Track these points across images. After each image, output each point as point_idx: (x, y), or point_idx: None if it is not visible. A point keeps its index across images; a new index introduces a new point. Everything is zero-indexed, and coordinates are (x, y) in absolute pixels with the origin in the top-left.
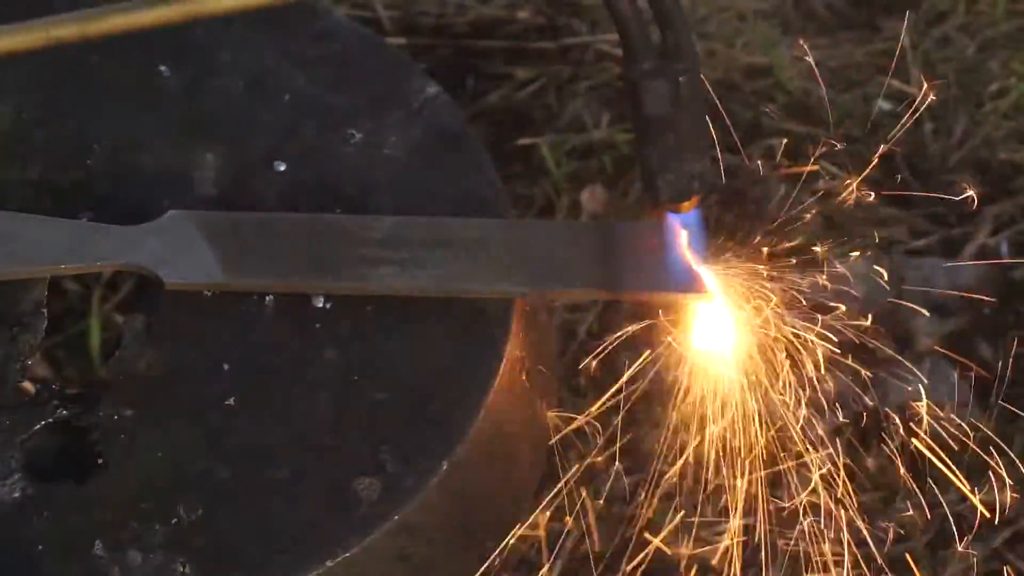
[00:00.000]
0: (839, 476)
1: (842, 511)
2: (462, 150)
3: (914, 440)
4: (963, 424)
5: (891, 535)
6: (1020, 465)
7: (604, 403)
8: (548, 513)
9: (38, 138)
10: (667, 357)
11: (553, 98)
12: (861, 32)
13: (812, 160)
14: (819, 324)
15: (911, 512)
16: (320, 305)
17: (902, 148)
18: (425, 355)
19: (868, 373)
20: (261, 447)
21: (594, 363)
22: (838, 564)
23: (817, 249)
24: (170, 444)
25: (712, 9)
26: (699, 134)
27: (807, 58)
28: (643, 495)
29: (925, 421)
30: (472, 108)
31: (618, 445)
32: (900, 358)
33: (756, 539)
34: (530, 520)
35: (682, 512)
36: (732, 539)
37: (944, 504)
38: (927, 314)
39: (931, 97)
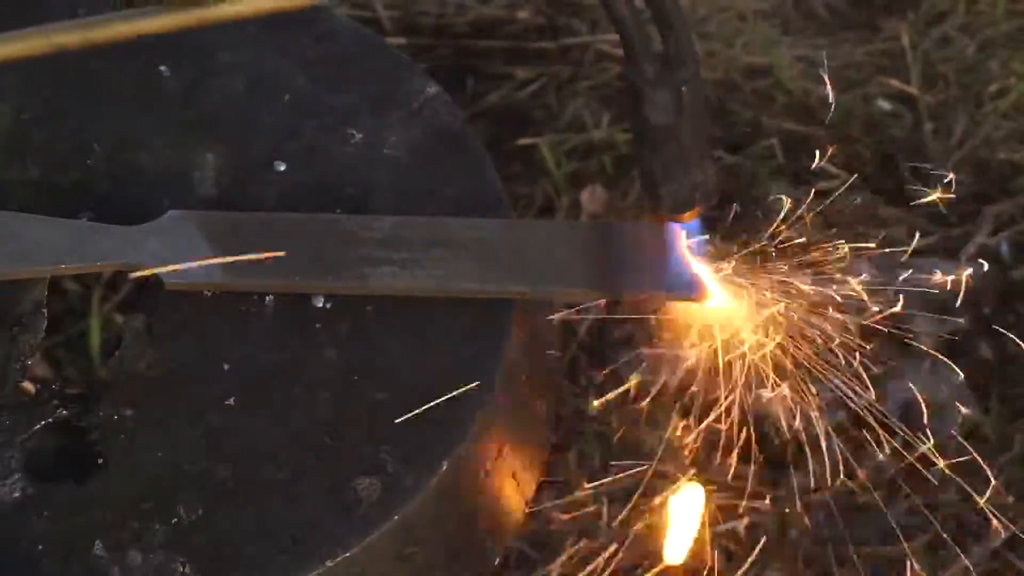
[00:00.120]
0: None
1: None
2: (462, 150)
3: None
4: (963, 424)
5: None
6: (1020, 465)
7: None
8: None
9: (38, 138)
10: (666, 357)
11: (553, 98)
12: (861, 32)
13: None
14: (819, 325)
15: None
16: (320, 305)
17: (902, 148)
18: (425, 355)
19: (868, 373)
20: (261, 447)
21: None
22: None
23: (817, 249)
24: (170, 444)
25: (712, 9)
26: (701, 143)
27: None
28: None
29: (925, 421)
30: (472, 108)
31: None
32: (900, 358)
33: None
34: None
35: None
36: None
37: (944, 504)
38: (927, 314)
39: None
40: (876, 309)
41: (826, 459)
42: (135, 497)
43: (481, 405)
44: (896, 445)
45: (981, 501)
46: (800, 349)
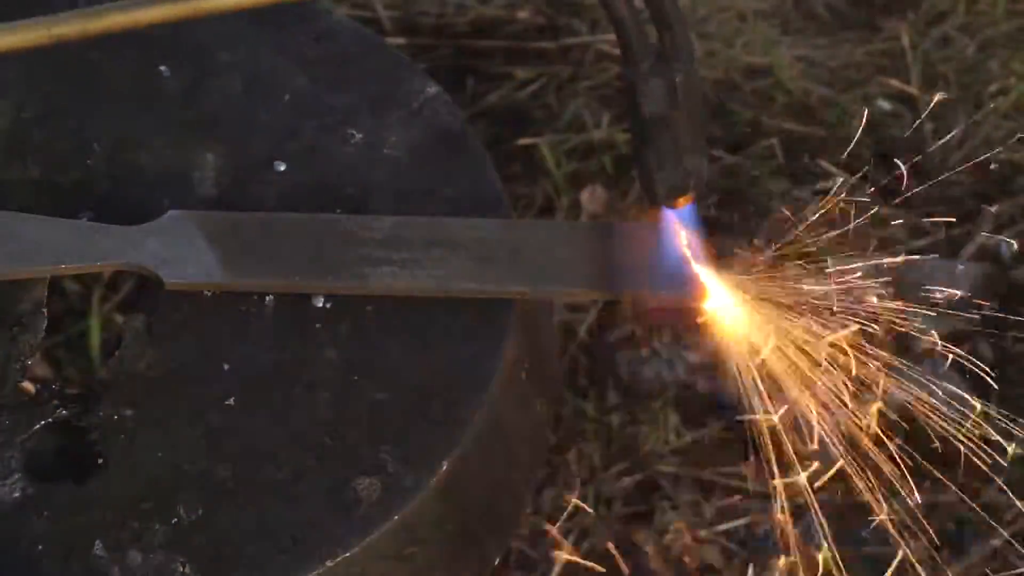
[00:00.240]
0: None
1: None
2: (462, 150)
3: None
4: (963, 424)
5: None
6: (1020, 465)
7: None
8: (548, 513)
9: (38, 138)
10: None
11: (553, 98)
12: (861, 32)
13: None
14: (819, 324)
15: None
16: (320, 305)
17: (902, 148)
18: (425, 355)
19: (867, 373)
20: (261, 447)
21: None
22: None
23: (817, 249)
24: (170, 444)
25: (712, 9)
26: (696, 132)
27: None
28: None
29: (925, 421)
30: (472, 108)
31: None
32: (900, 358)
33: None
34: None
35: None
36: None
37: (944, 504)
38: (927, 314)
39: (935, 99)
40: (876, 309)
41: (826, 459)
42: (135, 497)
43: (481, 405)
44: (895, 445)
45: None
46: (800, 349)
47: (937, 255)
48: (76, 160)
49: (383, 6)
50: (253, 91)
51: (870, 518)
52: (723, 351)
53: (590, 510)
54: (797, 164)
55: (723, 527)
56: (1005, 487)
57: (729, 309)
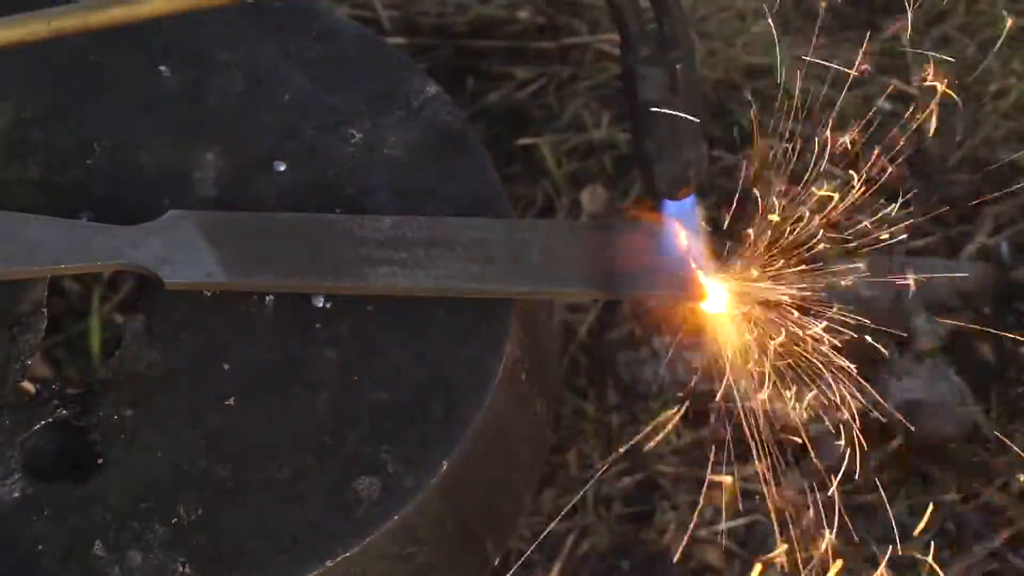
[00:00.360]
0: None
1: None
2: (462, 150)
3: (914, 440)
4: (963, 424)
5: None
6: (1020, 465)
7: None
8: (548, 512)
9: (38, 138)
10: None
11: (553, 98)
12: (861, 32)
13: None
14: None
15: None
16: (320, 305)
17: (902, 148)
18: (425, 355)
19: (868, 373)
20: (261, 447)
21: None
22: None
23: (817, 249)
24: (170, 444)
25: (712, 9)
26: (695, 123)
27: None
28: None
29: (925, 421)
30: (472, 108)
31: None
32: (900, 358)
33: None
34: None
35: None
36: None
37: (944, 504)
38: (927, 314)
39: (938, 93)
40: (876, 309)
41: (826, 459)
42: (135, 497)
43: (481, 405)
44: (896, 445)
45: (981, 502)
46: (801, 349)
47: (937, 255)
48: (76, 160)
49: (383, 6)
50: (253, 91)
51: (870, 518)
52: (723, 351)
53: (590, 510)
54: (797, 164)
55: (723, 527)
56: (1005, 487)
57: (729, 309)
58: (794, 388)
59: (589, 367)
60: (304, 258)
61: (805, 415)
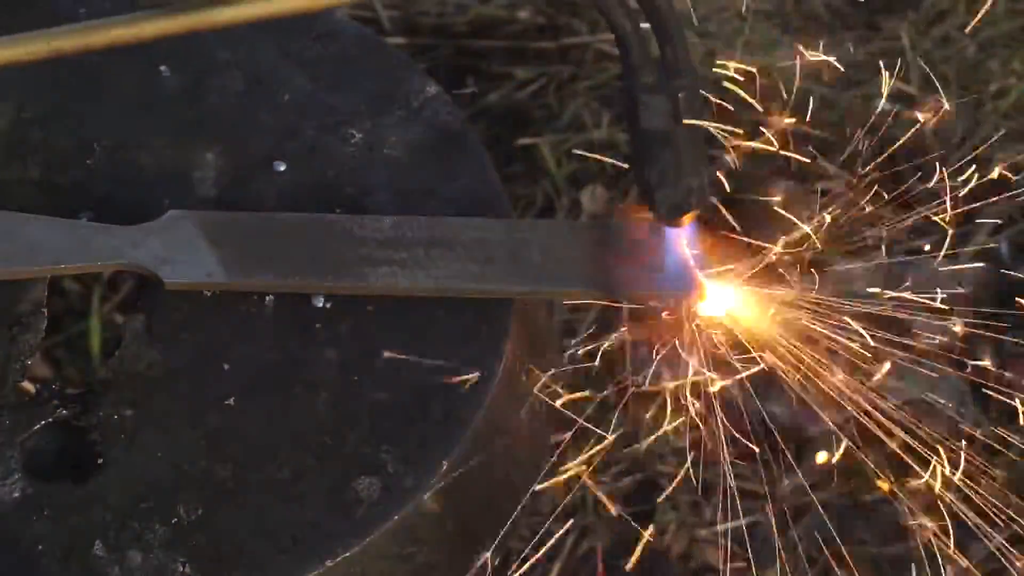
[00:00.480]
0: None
1: None
2: (462, 150)
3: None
4: (963, 424)
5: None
6: (1020, 465)
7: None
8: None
9: (38, 138)
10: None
11: (553, 98)
12: (861, 32)
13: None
14: (820, 325)
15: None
16: (320, 305)
17: (902, 148)
18: (425, 355)
19: (867, 374)
20: (261, 447)
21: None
22: None
23: (817, 249)
24: (170, 444)
25: (712, 9)
26: (697, 150)
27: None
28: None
29: (925, 422)
30: (472, 108)
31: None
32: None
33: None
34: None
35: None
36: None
37: (944, 504)
38: (927, 315)
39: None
40: (876, 309)
41: (827, 459)
42: (135, 497)
43: (481, 405)
44: (896, 446)
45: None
46: (801, 349)
47: (937, 255)
48: (76, 160)
49: (383, 6)
50: (253, 91)
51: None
52: (723, 350)
53: (590, 509)
54: (797, 164)
55: (723, 527)
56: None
57: (728, 309)
58: (795, 388)
59: (589, 367)
60: (304, 258)
61: (806, 414)
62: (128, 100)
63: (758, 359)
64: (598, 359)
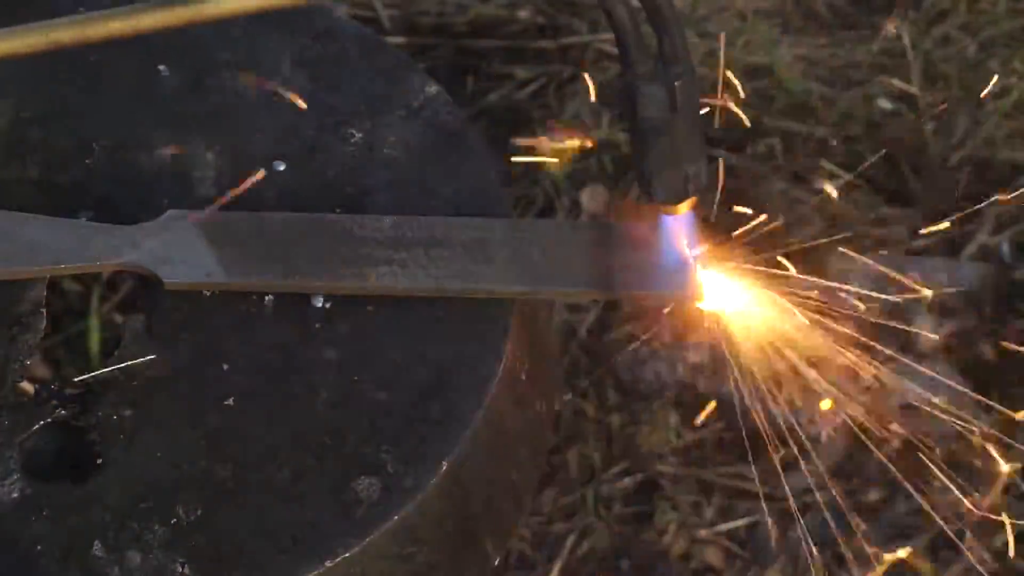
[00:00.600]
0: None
1: None
2: (462, 150)
3: (914, 440)
4: (963, 424)
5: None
6: (1020, 465)
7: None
8: (548, 512)
9: (38, 137)
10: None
11: (553, 98)
12: (861, 32)
13: (812, 160)
14: (820, 325)
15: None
16: (320, 305)
17: (902, 148)
18: (425, 355)
19: (868, 374)
20: (261, 447)
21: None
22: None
23: (817, 249)
24: (170, 444)
25: (712, 9)
26: (694, 138)
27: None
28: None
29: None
30: (472, 108)
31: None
32: (900, 358)
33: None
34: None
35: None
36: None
37: (944, 504)
38: (927, 314)
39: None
40: (876, 309)
41: (827, 459)
42: (134, 497)
43: (481, 405)
44: (896, 445)
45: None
46: (801, 350)
47: (937, 255)
48: (75, 160)
49: (383, 6)
50: (252, 90)
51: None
52: (723, 350)
53: (590, 510)
54: (797, 164)
55: (723, 527)
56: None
57: (728, 308)
58: (795, 388)
59: (589, 367)
60: (304, 258)
61: (806, 415)
62: (128, 100)
63: (757, 358)
64: (598, 359)
